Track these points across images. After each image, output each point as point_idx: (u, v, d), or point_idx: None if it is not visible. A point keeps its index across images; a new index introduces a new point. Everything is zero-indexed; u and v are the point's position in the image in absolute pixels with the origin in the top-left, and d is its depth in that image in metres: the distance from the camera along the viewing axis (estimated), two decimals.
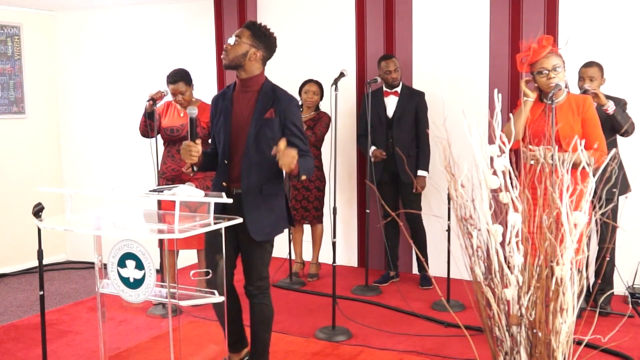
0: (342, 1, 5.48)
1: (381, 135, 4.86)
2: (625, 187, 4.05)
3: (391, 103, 4.88)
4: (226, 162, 3.09)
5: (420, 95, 4.88)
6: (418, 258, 5.06)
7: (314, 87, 5.04)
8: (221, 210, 3.03)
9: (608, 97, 3.98)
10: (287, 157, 2.79)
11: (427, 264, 5.00)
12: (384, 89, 4.91)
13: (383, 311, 4.43)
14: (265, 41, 3.03)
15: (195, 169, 3.13)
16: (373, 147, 4.87)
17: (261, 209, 3.05)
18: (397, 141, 4.81)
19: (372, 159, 4.84)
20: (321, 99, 5.10)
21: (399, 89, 4.89)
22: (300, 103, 4.93)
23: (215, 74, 5.94)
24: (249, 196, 3.04)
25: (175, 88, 4.38)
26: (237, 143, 3.06)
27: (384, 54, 5.17)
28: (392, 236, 4.99)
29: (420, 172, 4.81)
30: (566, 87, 3.41)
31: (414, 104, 4.83)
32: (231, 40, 3.01)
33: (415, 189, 4.77)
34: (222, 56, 3.05)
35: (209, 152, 3.21)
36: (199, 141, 3.00)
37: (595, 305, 4.00)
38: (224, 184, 3.09)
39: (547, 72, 3.28)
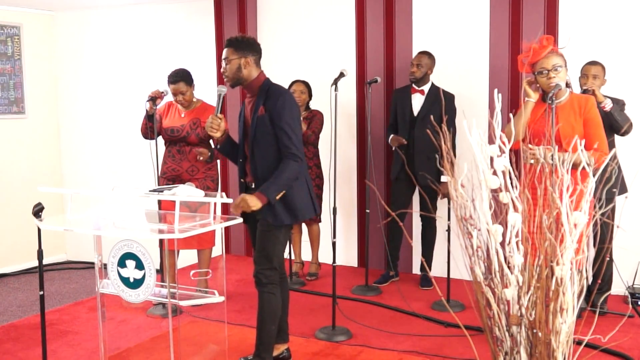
0: (342, 1, 5.48)
1: (404, 132, 4.81)
2: (622, 189, 4.05)
3: (417, 101, 4.83)
4: (241, 160, 3.36)
5: (448, 97, 4.72)
6: (425, 259, 5.02)
7: (300, 86, 5.04)
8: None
9: (606, 97, 3.99)
10: (239, 208, 3.10)
11: (431, 266, 5.00)
12: (412, 85, 4.88)
13: (383, 311, 4.43)
14: (247, 47, 3.27)
15: (217, 147, 3.40)
16: (392, 135, 4.85)
17: None
18: (418, 141, 4.73)
19: (392, 147, 4.83)
20: (309, 97, 5.10)
21: (425, 88, 4.82)
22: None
23: (215, 74, 5.94)
24: (258, 187, 3.23)
25: (175, 88, 4.39)
26: (248, 143, 3.34)
27: (385, 53, 5.18)
28: (396, 236, 4.98)
29: (444, 178, 4.69)
30: (568, 86, 3.40)
31: (441, 105, 4.68)
32: (223, 65, 3.28)
33: (440, 195, 4.71)
34: (224, 80, 3.30)
35: (234, 142, 3.45)
36: (221, 116, 3.26)
37: (593, 305, 4.00)
38: (242, 180, 3.37)
39: (547, 72, 3.28)
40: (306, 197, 3.32)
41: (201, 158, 4.37)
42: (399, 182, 4.90)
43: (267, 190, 3.11)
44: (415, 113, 4.81)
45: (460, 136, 4.53)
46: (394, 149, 4.85)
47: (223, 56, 3.26)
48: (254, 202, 3.08)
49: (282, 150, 3.17)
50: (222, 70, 3.28)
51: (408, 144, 4.77)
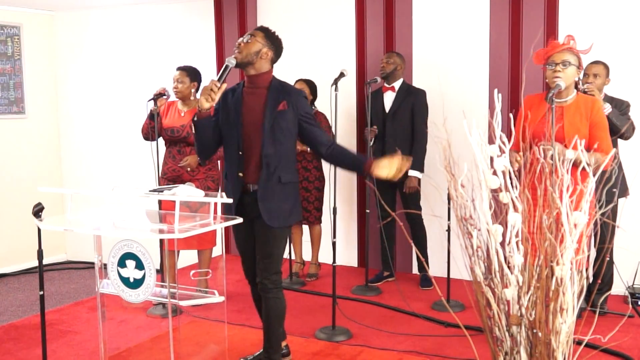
0: (342, 1, 5.48)
1: (378, 130, 4.85)
2: (623, 190, 4.05)
3: (388, 98, 4.88)
4: (241, 153, 3.18)
5: (419, 93, 4.84)
6: (418, 258, 5.04)
7: (302, 85, 5.05)
8: (237, 206, 3.19)
9: (612, 99, 3.99)
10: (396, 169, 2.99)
11: (428, 264, 5.00)
12: (384, 84, 4.90)
13: (383, 311, 4.43)
14: (276, 44, 3.21)
15: (195, 118, 3.16)
16: (366, 128, 4.87)
17: (277, 197, 3.17)
18: (390, 137, 4.79)
19: (370, 142, 4.85)
20: (313, 96, 5.08)
21: (396, 85, 4.87)
22: None
23: (215, 74, 5.93)
24: (268, 185, 3.14)
25: (176, 75, 4.48)
26: (251, 136, 3.16)
27: (385, 53, 5.19)
28: (387, 236, 4.98)
29: (411, 172, 4.72)
30: (577, 87, 3.41)
31: (411, 102, 4.80)
32: (245, 38, 3.14)
33: (405, 189, 4.77)
34: (234, 54, 3.14)
35: (213, 127, 3.22)
36: (224, 86, 3.08)
37: (593, 305, 4.00)
38: (240, 174, 3.19)
39: (554, 65, 3.28)
40: (299, 201, 3.31)
41: (188, 169, 4.42)
42: (381, 184, 4.85)
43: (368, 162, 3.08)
44: (387, 110, 4.85)
45: (460, 136, 4.53)
46: (371, 143, 4.82)
47: (249, 32, 3.16)
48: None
49: (324, 140, 3.18)
50: (238, 42, 3.13)
51: (383, 141, 4.80)
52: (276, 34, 3.23)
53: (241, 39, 3.15)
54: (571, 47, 3.30)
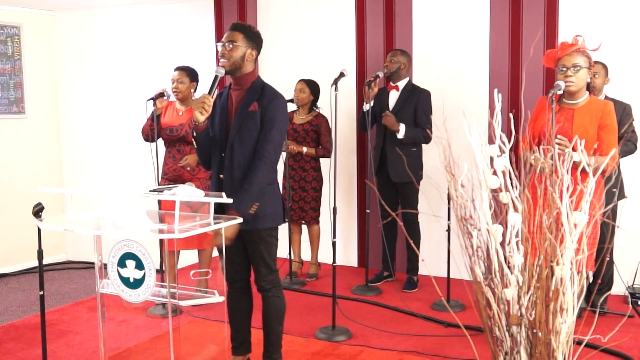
0: (342, 1, 5.48)
1: (380, 129, 4.84)
2: (620, 194, 4.05)
3: (392, 97, 4.86)
4: (223, 155, 3.15)
5: (422, 93, 4.78)
6: (409, 260, 4.96)
7: (300, 84, 5.05)
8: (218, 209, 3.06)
9: (614, 101, 3.99)
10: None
11: (417, 267, 4.96)
12: (389, 83, 4.88)
13: (383, 311, 4.43)
14: (257, 40, 3.16)
15: (194, 134, 3.14)
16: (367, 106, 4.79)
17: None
18: (391, 136, 4.77)
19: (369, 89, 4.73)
20: (314, 97, 5.07)
21: (401, 85, 4.85)
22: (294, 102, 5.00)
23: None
24: (233, 185, 3.08)
25: (176, 75, 4.48)
26: (226, 136, 3.15)
27: (385, 53, 5.21)
28: (388, 236, 4.97)
29: (401, 125, 4.65)
30: (588, 89, 3.40)
31: (414, 102, 4.77)
32: (227, 45, 3.07)
33: (384, 120, 4.71)
34: (221, 63, 3.10)
35: (210, 137, 3.20)
36: (215, 96, 3.09)
37: (593, 305, 4.00)
38: (221, 176, 3.15)
39: (565, 69, 3.28)
40: (279, 203, 3.20)
41: (188, 169, 4.43)
42: (382, 185, 4.81)
43: (240, 206, 2.96)
44: (391, 109, 4.84)
45: (460, 136, 4.53)
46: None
47: (228, 38, 3.06)
48: (232, 229, 2.92)
49: (259, 150, 3.03)
50: (222, 52, 3.06)
51: (384, 140, 4.79)
52: (254, 28, 3.16)
53: (221, 44, 3.08)
54: (580, 48, 3.28)
